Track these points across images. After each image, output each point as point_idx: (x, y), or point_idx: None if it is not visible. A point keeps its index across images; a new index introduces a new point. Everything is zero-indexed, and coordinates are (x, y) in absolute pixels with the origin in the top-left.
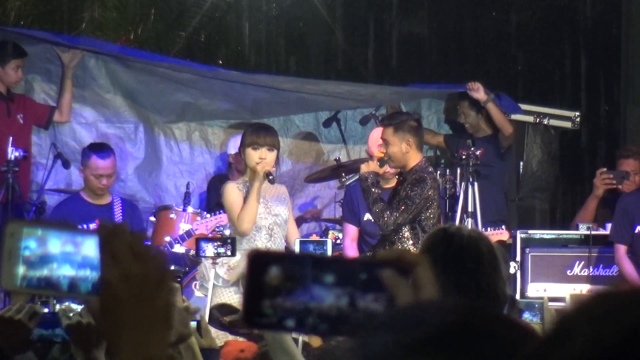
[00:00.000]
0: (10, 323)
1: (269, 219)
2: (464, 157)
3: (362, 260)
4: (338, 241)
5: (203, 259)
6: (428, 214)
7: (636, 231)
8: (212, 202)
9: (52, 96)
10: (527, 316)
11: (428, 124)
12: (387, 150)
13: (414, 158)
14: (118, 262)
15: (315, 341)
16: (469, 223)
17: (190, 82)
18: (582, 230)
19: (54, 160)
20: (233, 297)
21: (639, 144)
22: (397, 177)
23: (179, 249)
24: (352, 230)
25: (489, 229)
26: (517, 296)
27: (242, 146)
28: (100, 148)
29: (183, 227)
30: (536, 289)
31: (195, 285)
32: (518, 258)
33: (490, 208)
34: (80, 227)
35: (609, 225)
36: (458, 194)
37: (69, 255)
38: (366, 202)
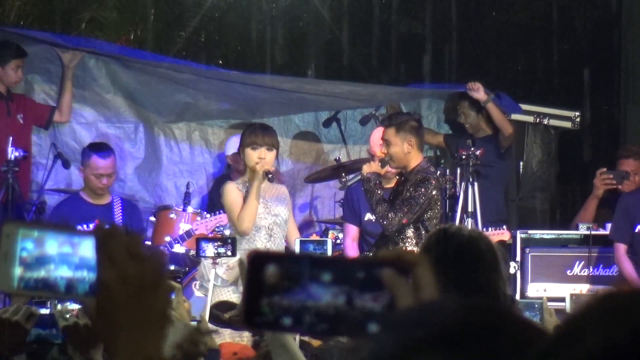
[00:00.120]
0: (7, 324)
1: (269, 219)
2: (464, 157)
3: (361, 259)
4: (338, 241)
5: (203, 259)
6: (431, 214)
7: (636, 230)
8: (215, 203)
9: (52, 96)
10: (527, 316)
11: (428, 124)
12: (388, 151)
13: (416, 158)
14: (115, 263)
15: (316, 340)
16: (469, 223)
17: (190, 83)
18: (582, 230)
19: (54, 160)
20: (231, 297)
21: (639, 144)
22: (396, 176)
23: (179, 249)
24: (353, 230)
25: (490, 229)
26: (517, 296)
27: (241, 146)
28: (100, 148)
29: (183, 227)
30: (536, 289)
31: (195, 285)
32: (518, 258)
33: (490, 208)
34: (79, 227)
35: (609, 226)
36: (458, 194)
37: (67, 257)
38: (369, 203)
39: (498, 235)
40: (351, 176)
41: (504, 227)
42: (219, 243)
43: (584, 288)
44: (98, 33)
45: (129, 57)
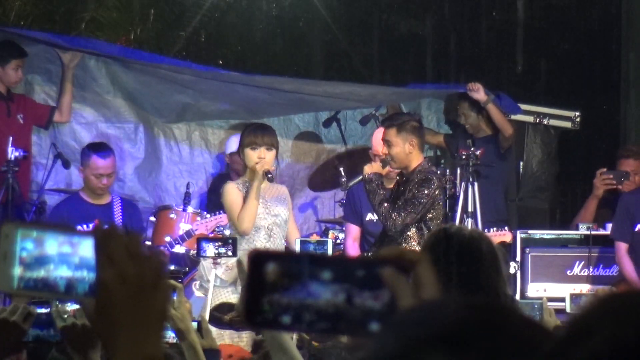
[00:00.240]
0: (5, 324)
1: (268, 219)
2: (464, 157)
3: (361, 258)
4: (338, 241)
5: (203, 259)
6: (434, 214)
7: (636, 229)
8: (214, 203)
9: (52, 96)
10: None
11: (428, 124)
12: (389, 151)
13: (417, 158)
14: (114, 263)
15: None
16: (469, 223)
17: (190, 83)
18: (582, 230)
19: (54, 160)
20: (231, 297)
21: (639, 144)
22: (397, 176)
23: (179, 249)
24: (354, 230)
25: (491, 229)
26: (517, 296)
27: (241, 146)
28: (100, 148)
29: (183, 227)
30: (536, 289)
31: (195, 285)
32: (518, 258)
33: (490, 208)
34: (79, 227)
35: (609, 225)
36: (458, 194)
37: (66, 257)
38: (372, 204)
39: (500, 236)
40: (353, 177)
41: (506, 228)
42: (220, 243)
43: (584, 288)
44: (98, 33)
45: (128, 58)
